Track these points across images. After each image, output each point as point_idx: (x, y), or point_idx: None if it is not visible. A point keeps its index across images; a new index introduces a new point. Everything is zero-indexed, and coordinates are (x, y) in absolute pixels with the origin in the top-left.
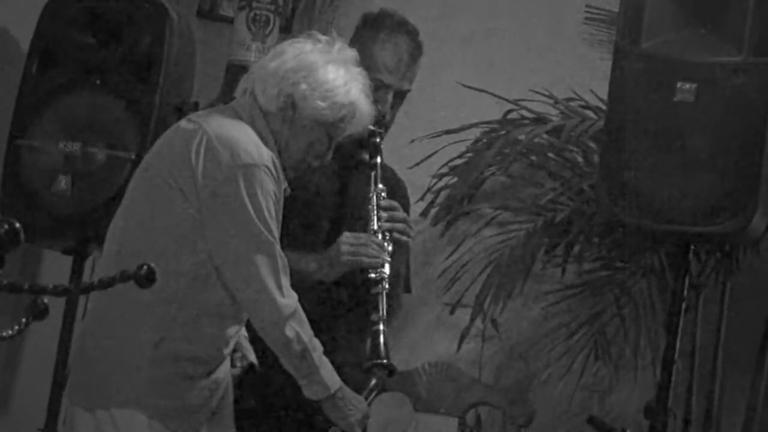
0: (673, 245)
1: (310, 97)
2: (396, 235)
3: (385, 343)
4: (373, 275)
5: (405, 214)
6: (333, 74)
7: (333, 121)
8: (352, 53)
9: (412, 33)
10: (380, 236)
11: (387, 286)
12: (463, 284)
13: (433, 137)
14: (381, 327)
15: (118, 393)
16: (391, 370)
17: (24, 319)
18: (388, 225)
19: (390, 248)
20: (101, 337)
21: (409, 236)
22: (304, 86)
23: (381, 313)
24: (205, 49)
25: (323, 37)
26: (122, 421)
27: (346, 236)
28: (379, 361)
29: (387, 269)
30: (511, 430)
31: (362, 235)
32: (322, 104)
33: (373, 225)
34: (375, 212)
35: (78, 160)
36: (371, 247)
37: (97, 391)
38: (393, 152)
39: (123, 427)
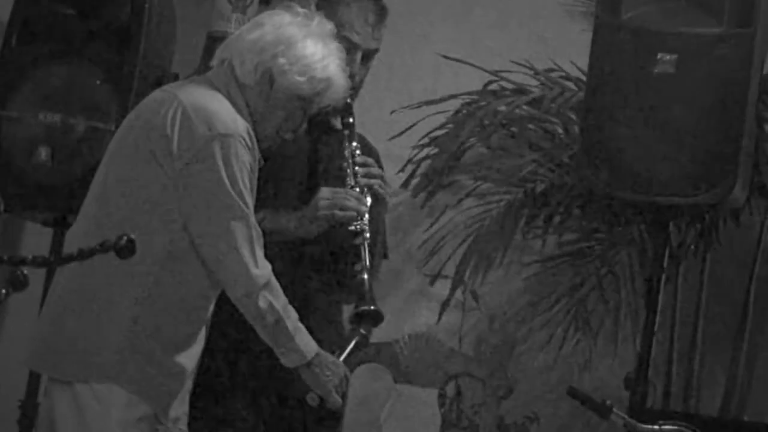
0: (653, 216)
1: (289, 72)
2: (374, 188)
3: (370, 291)
4: (353, 227)
5: (380, 170)
6: (311, 49)
7: (309, 96)
8: (329, 26)
9: None
10: (357, 190)
11: (368, 236)
12: (444, 255)
13: (413, 108)
14: (365, 276)
15: (97, 367)
16: (377, 317)
17: (3, 291)
18: (364, 180)
19: (369, 201)
20: (78, 310)
21: (385, 191)
22: (282, 60)
23: (364, 262)
24: (185, 20)
25: (302, 10)
26: (102, 395)
27: (324, 191)
28: (366, 308)
29: (366, 220)
30: (491, 401)
31: (340, 189)
32: (300, 79)
33: (350, 180)
34: (351, 168)
35: (58, 131)
36: (349, 200)
37: (75, 365)
38: (373, 123)
39: (102, 400)
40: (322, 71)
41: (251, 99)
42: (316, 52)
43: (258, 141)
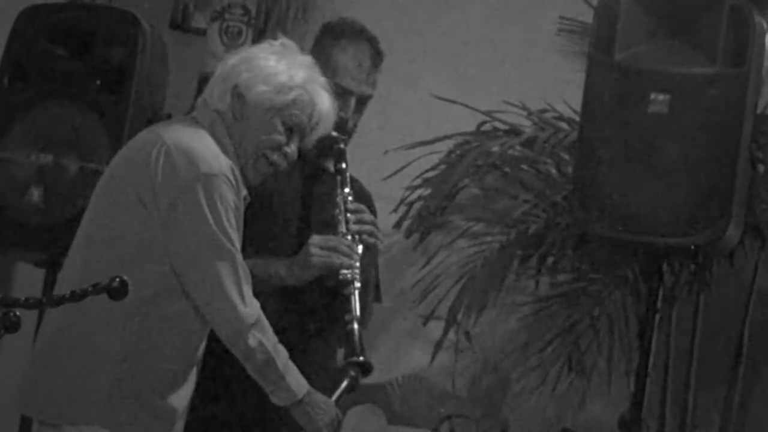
0: (646, 257)
1: (253, 84)
2: (365, 237)
3: (360, 342)
4: (344, 276)
5: (373, 217)
6: (274, 61)
7: (281, 106)
8: (305, 58)
9: (372, 40)
10: (349, 238)
11: (358, 285)
12: (437, 296)
13: (407, 149)
14: (355, 326)
15: (85, 410)
16: (367, 368)
17: None
18: (356, 227)
19: (360, 250)
20: (66, 353)
21: (377, 239)
22: (246, 74)
23: (354, 312)
24: (178, 60)
25: (276, 42)
26: None
27: (315, 239)
28: (355, 359)
29: (358, 270)
30: None
31: (331, 237)
32: (265, 88)
33: (342, 228)
34: (343, 215)
35: (50, 172)
36: (341, 248)
37: (64, 407)
38: (366, 164)
39: None
40: (290, 79)
41: (229, 124)
42: (279, 64)
43: (244, 176)
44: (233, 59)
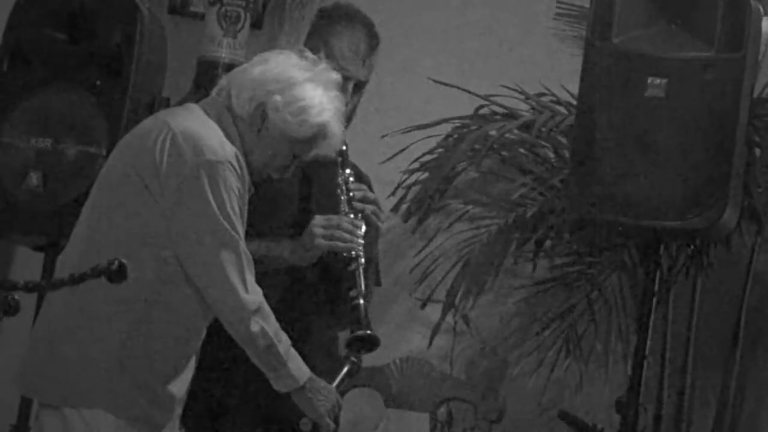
0: (643, 240)
1: (282, 111)
2: (368, 214)
3: (366, 316)
4: (348, 254)
5: (375, 196)
6: (310, 93)
7: (300, 139)
8: (334, 76)
9: (368, 24)
10: (351, 216)
11: (362, 261)
12: (435, 279)
13: (404, 133)
14: (361, 301)
15: (85, 392)
16: (374, 341)
17: None
18: (359, 206)
19: (363, 228)
20: (68, 336)
21: (379, 218)
22: (278, 98)
23: (360, 287)
24: (176, 45)
25: (311, 55)
26: (90, 420)
27: (318, 219)
28: (362, 332)
29: (361, 246)
30: (482, 425)
31: (333, 216)
32: (292, 120)
33: (344, 207)
34: (345, 195)
35: (49, 156)
36: (344, 226)
37: (64, 389)
38: (364, 148)
39: (91, 426)
40: (317, 116)
41: (242, 130)
42: (314, 97)
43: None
44: (270, 71)
